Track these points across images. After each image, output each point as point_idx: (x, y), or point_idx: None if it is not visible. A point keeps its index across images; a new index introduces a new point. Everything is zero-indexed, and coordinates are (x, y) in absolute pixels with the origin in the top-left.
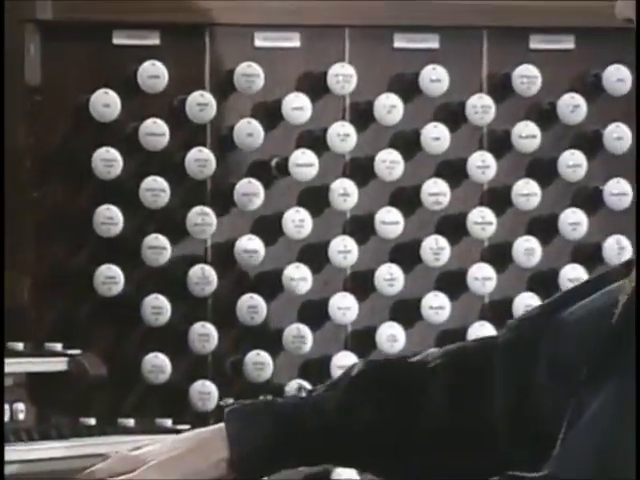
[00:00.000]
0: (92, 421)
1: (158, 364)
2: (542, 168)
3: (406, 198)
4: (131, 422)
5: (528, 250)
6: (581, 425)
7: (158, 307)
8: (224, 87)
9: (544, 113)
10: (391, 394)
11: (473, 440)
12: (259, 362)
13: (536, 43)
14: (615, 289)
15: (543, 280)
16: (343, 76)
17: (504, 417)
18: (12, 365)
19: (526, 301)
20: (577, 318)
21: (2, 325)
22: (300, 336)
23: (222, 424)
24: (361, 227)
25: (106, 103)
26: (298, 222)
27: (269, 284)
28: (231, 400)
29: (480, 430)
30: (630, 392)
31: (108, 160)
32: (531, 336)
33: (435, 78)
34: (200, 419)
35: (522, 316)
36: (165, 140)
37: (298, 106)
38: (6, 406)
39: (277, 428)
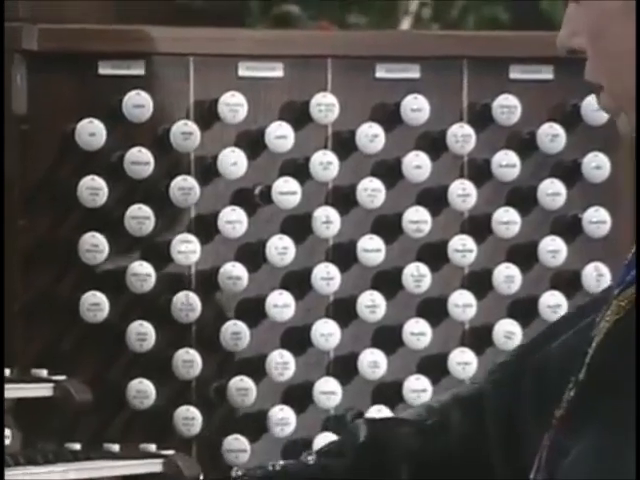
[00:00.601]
0: (77, 446)
1: (142, 390)
2: (522, 196)
3: (388, 226)
4: (116, 447)
5: (508, 277)
6: (560, 473)
7: (143, 333)
8: (208, 116)
9: (524, 142)
10: (398, 456)
11: None
12: (242, 388)
13: (516, 73)
14: (589, 325)
15: (523, 307)
16: (325, 105)
17: (495, 453)
18: None
19: (506, 327)
20: (554, 356)
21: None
22: (283, 362)
23: None
24: (343, 254)
25: (91, 132)
26: (281, 249)
27: (252, 310)
28: (240, 472)
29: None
30: (611, 443)
31: (94, 188)
32: (512, 378)
33: (416, 107)
34: (184, 444)
35: (502, 359)
36: (150, 168)
37: (281, 135)
38: None
39: None
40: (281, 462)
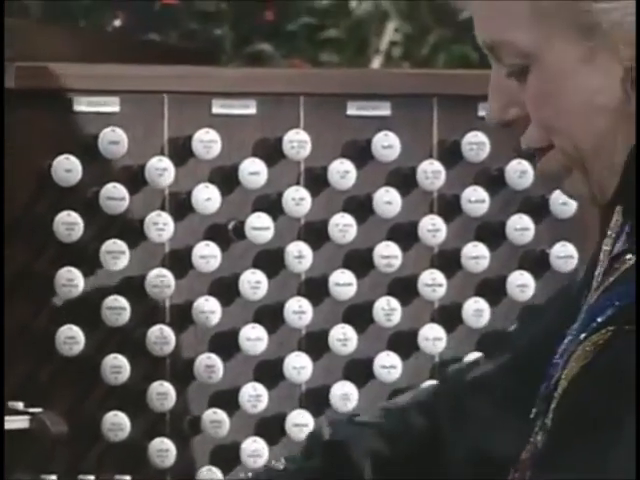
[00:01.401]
0: (53, 477)
1: (117, 422)
2: (491, 231)
3: (359, 260)
4: (91, 479)
5: (477, 311)
6: None
7: (117, 366)
8: (182, 153)
9: (492, 178)
10: (362, 455)
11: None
12: (216, 420)
13: (485, 111)
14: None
15: (492, 340)
16: (298, 142)
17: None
18: None
19: None
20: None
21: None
22: (256, 395)
23: None
24: (315, 288)
25: (67, 168)
26: (254, 284)
27: (226, 344)
28: None
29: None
30: None
31: (69, 223)
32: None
33: (387, 144)
34: (158, 476)
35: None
36: (125, 204)
37: (254, 171)
38: None
39: None
40: (250, 473)
